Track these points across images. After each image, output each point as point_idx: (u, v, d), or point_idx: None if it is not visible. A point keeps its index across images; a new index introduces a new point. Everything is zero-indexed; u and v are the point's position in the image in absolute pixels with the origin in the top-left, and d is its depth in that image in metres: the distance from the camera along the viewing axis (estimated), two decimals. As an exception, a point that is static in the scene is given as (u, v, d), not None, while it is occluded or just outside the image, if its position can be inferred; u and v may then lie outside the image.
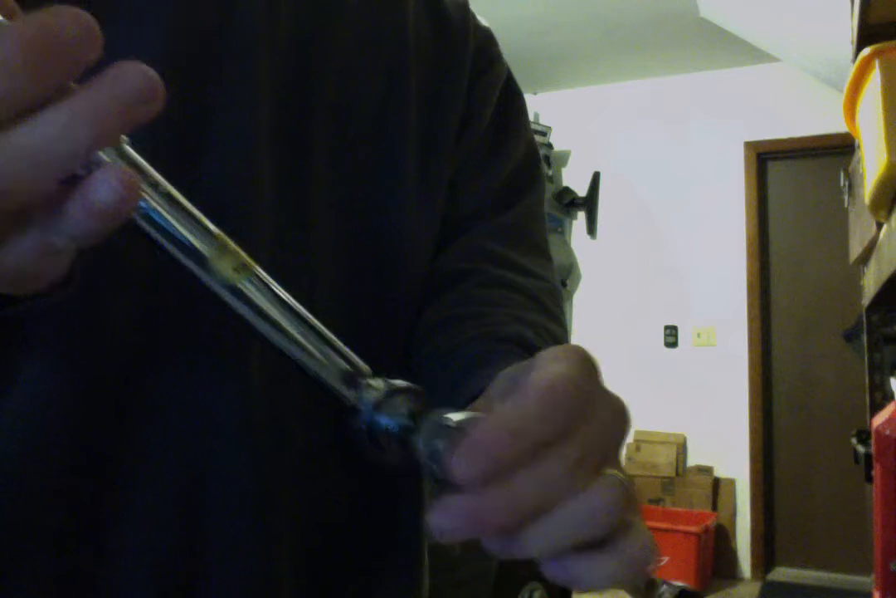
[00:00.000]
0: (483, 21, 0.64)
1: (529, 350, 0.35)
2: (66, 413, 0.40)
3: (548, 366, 0.30)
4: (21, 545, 0.40)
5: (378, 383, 0.32)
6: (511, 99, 0.63)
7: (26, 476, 0.40)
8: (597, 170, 4.62)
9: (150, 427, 0.42)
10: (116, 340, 0.42)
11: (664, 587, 0.34)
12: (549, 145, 4.60)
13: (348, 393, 0.32)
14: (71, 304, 0.40)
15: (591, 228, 4.64)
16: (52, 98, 0.24)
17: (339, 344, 0.32)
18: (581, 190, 4.63)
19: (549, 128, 4.61)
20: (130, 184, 0.24)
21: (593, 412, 0.29)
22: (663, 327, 4.38)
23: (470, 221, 0.57)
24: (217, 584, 0.43)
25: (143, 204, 0.27)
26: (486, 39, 0.63)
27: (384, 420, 0.31)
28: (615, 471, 0.30)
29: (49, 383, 0.40)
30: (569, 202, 4.61)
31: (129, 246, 0.40)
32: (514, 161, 0.61)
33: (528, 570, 2.46)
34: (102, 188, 0.24)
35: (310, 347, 0.31)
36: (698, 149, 4.40)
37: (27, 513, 0.40)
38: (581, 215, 4.68)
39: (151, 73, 0.24)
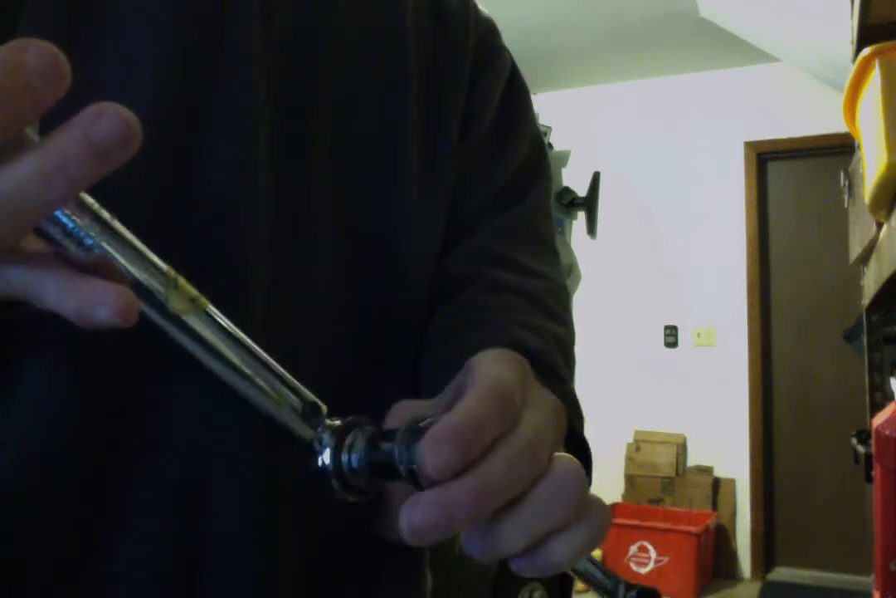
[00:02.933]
0: (485, 11, 0.63)
1: (528, 357, 0.36)
2: (68, 415, 0.40)
3: (487, 368, 0.32)
4: (19, 547, 0.40)
5: (335, 422, 0.32)
6: (515, 93, 0.61)
7: (27, 482, 0.40)
8: (597, 170, 4.61)
9: (152, 430, 0.42)
10: (118, 341, 0.42)
11: (620, 587, 0.34)
12: (549, 145, 4.60)
13: (305, 432, 0.31)
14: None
15: (591, 228, 4.64)
16: (19, 139, 0.23)
17: (295, 383, 0.32)
18: (581, 190, 4.63)
19: (549, 128, 4.61)
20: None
21: (533, 404, 0.31)
22: (663, 327, 4.38)
23: (474, 219, 0.56)
24: (217, 585, 0.43)
25: (89, 242, 0.26)
26: (487, 32, 0.61)
27: (347, 455, 0.31)
28: (563, 453, 0.32)
29: (51, 385, 0.40)
30: (569, 202, 4.60)
31: None
32: (518, 157, 0.59)
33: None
34: None
35: (263, 385, 0.30)
36: (698, 149, 4.40)
37: (26, 517, 0.40)
38: (581, 215, 4.68)
39: (127, 115, 0.23)
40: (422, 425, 0.29)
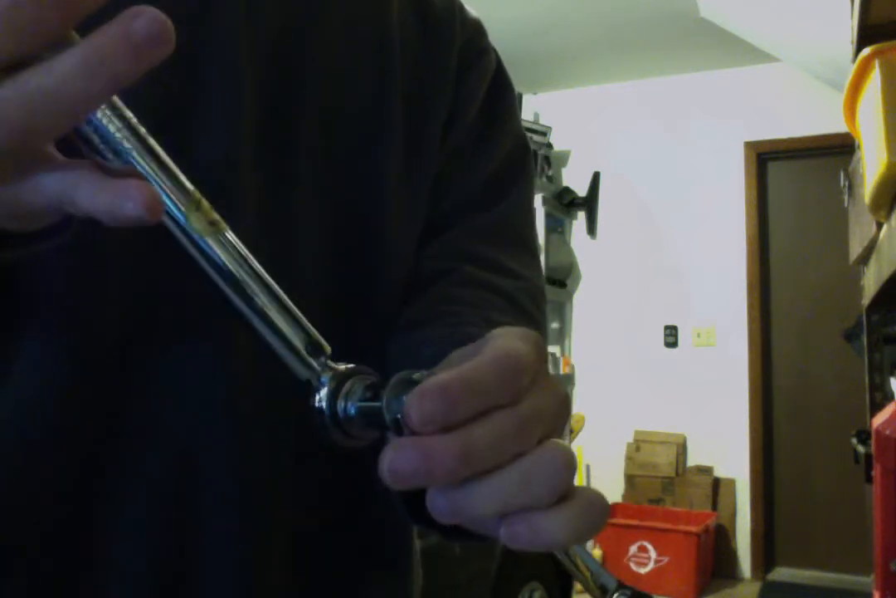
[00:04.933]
0: (472, 12, 0.63)
1: None
2: (59, 407, 0.41)
3: (504, 340, 0.32)
4: (10, 541, 0.40)
5: (338, 365, 0.32)
6: (499, 92, 0.62)
7: (17, 472, 0.40)
8: (597, 170, 4.62)
9: (141, 420, 0.42)
10: (109, 329, 0.42)
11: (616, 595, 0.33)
12: (549, 145, 4.59)
13: (305, 369, 0.32)
14: (64, 291, 0.41)
15: (591, 228, 4.64)
16: (64, 39, 0.25)
17: (303, 319, 0.32)
18: (581, 190, 4.63)
19: (549, 128, 4.61)
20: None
21: (541, 388, 0.31)
22: (663, 327, 4.38)
23: (455, 217, 0.56)
24: (208, 579, 0.43)
25: (119, 147, 0.28)
26: (474, 32, 0.62)
27: (343, 401, 0.31)
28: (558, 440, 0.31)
29: (44, 374, 0.40)
30: (569, 202, 4.60)
31: (114, 241, 0.40)
32: (500, 156, 0.60)
33: (528, 570, 2.46)
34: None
35: (272, 315, 0.31)
36: (698, 149, 4.40)
37: (17, 509, 0.40)
38: (581, 215, 4.68)
39: (162, 16, 0.25)
40: (415, 377, 0.30)
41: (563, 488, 0.29)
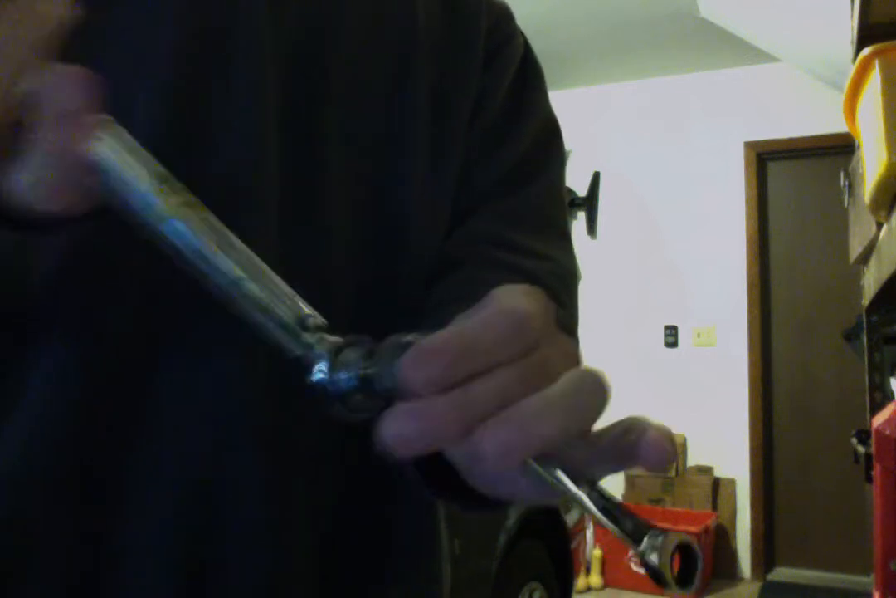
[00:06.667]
0: None
1: None
2: (76, 419, 0.40)
3: (509, 297, 0.30)
4: (29, 547, 0.40)
5: (334, 337, 0.30)
6: (528, 75, 0.61)
7: (36, 483, 0.40)
8: (597, 170, 4.62)
9: (159, 428, 0.42)
10: (124, 341, 0.42)
11: (659, 538, 0.28)
12: (549, 145, 4.60)
13: (297, 345, 0.30)
14: (78, 303, 0.40)
15: (591, 228, 4.64)
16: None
17: (293, 295, 0.30)
18: (581, 190, 4.63)
19: (549, 128, 4.61)
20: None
21: (546, 344, 0.29)
22: (663, 327, 4.38)
23: (481, 202, 0.56)
24: (232, 574, 0.43)
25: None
26: (500, 16, 0.61)
27: (341, 372, 0.29)
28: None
29: (59, 387, 0.40)
30: (569, 202, 4.61)
31: (126, 249, 0.40)
32: (527, 139, 0.59)
33: (528, 570, 2.46)
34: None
35: (257, 292, 0.29)
36: (698, 149, 4.40)
37: (36, 517, 0.40)
38: (581, 215, 4.68)
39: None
40: (409, 339, 0.28)
41: (595, 411, 0.28)
